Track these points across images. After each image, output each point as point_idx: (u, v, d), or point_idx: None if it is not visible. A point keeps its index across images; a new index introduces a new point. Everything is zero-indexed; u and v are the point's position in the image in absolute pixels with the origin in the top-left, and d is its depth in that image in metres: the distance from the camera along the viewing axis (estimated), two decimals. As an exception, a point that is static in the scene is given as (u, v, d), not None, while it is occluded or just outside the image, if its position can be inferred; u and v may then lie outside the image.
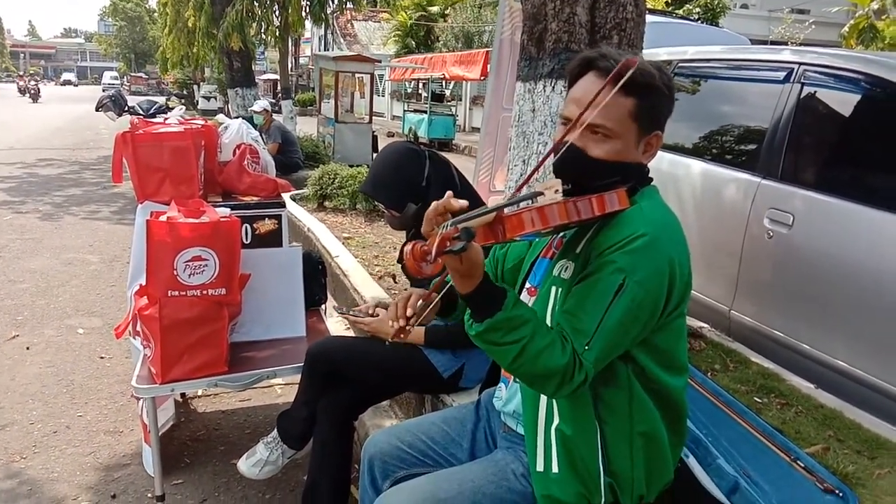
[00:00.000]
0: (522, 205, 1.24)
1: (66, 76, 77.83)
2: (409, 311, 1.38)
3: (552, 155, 1.35)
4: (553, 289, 1.41)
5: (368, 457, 1.75)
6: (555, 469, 1.41)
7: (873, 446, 2.21)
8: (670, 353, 1.41)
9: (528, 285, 1.59)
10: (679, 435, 1.52)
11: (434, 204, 1.22)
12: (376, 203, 2.30)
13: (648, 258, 1.28)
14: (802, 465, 1.89)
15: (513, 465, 1.53)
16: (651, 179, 1.47)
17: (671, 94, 1.39)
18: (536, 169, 1.42)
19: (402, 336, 1.35)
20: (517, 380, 1.53)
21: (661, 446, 1.44)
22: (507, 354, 1.25)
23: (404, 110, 20.26)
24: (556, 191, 1.28)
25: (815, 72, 3.13)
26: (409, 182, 2.17)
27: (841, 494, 1.79)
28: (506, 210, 1.20)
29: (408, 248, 1.23)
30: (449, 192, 1.24)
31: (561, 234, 1.49)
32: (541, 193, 1.27)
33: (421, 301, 1.43)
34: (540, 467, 1.43)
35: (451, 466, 1.66)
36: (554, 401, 1.41)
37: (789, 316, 3.01)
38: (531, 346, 1.23)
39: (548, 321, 1.39)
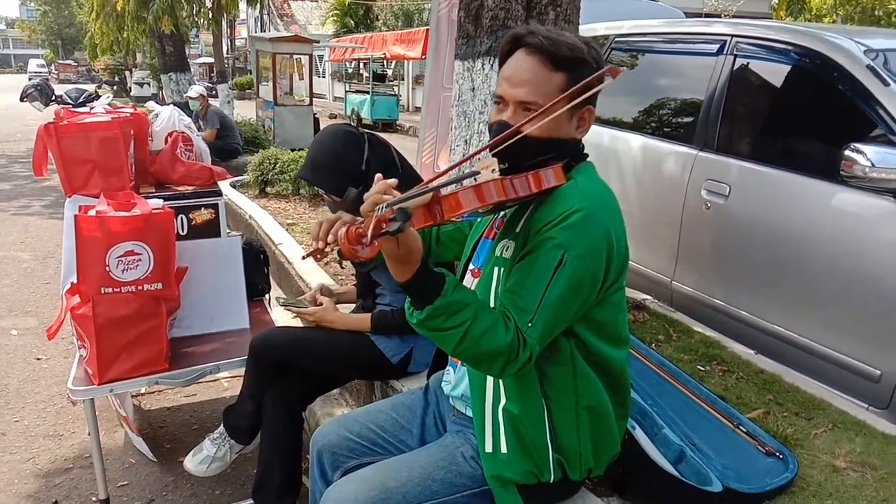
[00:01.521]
0: (461, 184, 1.23)
1: None
2: (329, 238, 1.47)
3: (489, 138, 1.36)
4: (496, 269, 1.41)
5: (317, 449, 1.73)
6: (503, 449, 1.42)
7: (810, 407, 2.30)
8: (611, 326, 1.43)
9: (471, 266, 1.58)
10: (623, 406, 1.54)
11: (375, 186, 1.20)
12: (317, 188, 2.26)
13: (586, 232, 1.29)
14: (745, 430, 1.95)
15: (462, 449, 1.53)
16: (587, 155, 1.48)
17: (600, 68, 1.38)
18: (478, 152, 1.42)
19: (318, 256, 1.44)
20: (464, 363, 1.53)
21: (606, 419, 1.47)
22: (450, 339, 1.24)
23: (346, 91, 19.99)
24: (493, 170, 1.28)
25: (748, 44, 3.19)
26: (348, 166, 2.12)
27: (781, 457, 1.86)
28: (442, 190, 1.19)
29: (342, 231, 1.21)
30: (379, 176, 1.23)
31: (502, 214, 1.49)
32: (477, 173, 1.27)
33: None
34: (489, 448, 1.44)
35: (402, 453, 1.65)
36: (500, 381, 1.41)
37: (728, 284, 3.08)
38: (474, 329, 1.22)
39: (491, 302, 1.39)
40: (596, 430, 1.45)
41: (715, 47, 3.34)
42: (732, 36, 3.26)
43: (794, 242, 2.76)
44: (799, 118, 3.01)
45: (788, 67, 3.08)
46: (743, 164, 3.03)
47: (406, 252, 1.17)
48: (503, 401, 1.41)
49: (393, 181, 1.21)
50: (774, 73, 3.17)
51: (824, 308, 2.65)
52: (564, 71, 1.34)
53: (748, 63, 3.19)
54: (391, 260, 1.20)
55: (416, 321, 1.25)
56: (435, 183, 1.20)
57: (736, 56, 3.21)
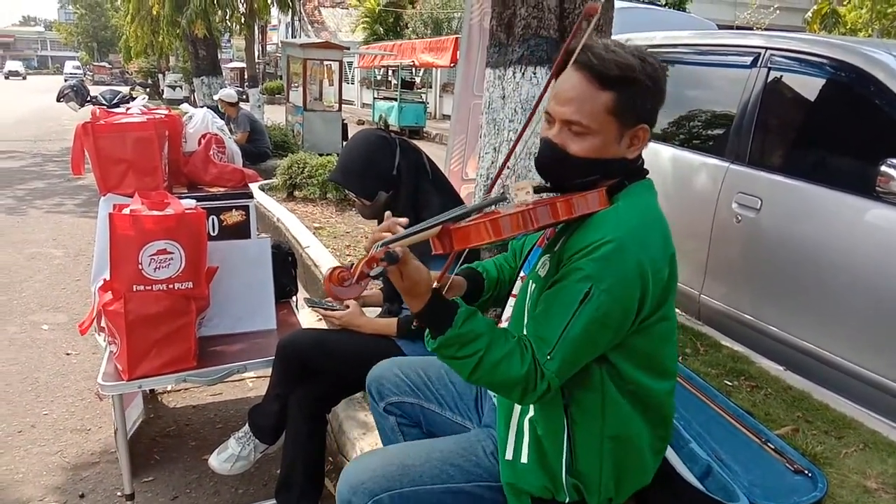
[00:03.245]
0: (483, 211, 1.24)
1: (10, 66, 60.96)
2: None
3: (515, 150, 1.36)
4: (531, 283, 1.40)
5: (371, 378, 1.87)
6: (524, 459, 1.40)
7: (840, 426, 2.26)
8: (653, 357, 1.37)
9: (521, 273, 1.58)
10: (662, 439, 1.49)
11: (383, 224, 1.27)
12: (347, 192, 2.28)
13: (616, 265, 1.24)
14: (773, 446, 1.91)
15: (484, 443, 1.54)
16: (645, 172, 1.42)
17: (656, 85, 1.31)
18: (502, 168, 1.41)
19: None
20: None
21: (635, 450, 1.41)
22: (464, 367, 1.27)
23: (374, 98, 20.12)
24: (528, 192, 1.27)
25: (782, 56, 3.15)
26: (379, 170, 2.14)
27: (810, 475, 1.82)
28: (460, 223, 1.20)
29: (326, 273, 1.26)
30: (388, 214, 1.30)
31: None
32: (504, 199, 1.28)
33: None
34: (509, 455, 1.42)
35: (439, 405, 1.78)
36: None
37: (757, 299, 3.04)
38: (486, 360, 1.24)
39: (524, 314, 1.39)
40: (620, 459, 1.40)
41: (749, 59, 3.31)
42: (767, 48, 3.23)
43: (826, 258, 2.71)
44: (833, 132, 2.97)
45: (823, 81, 3.04)
46: (775, 177, 2.99)
47: (411, 285, 1.22)
48: (531, 412, 1.39)
49: (403, 220, 1.26)
50: (809, 86, 3.13)
51: (856, 325, 2.61)
52: (613, 90, 1.28)
53: (782, 76, 3.16)
54: (402, 292, 1.25)
55: (432, 349, 1.29)
56: (448, 216, 1.21)
57: (770, 68, 3.18)
